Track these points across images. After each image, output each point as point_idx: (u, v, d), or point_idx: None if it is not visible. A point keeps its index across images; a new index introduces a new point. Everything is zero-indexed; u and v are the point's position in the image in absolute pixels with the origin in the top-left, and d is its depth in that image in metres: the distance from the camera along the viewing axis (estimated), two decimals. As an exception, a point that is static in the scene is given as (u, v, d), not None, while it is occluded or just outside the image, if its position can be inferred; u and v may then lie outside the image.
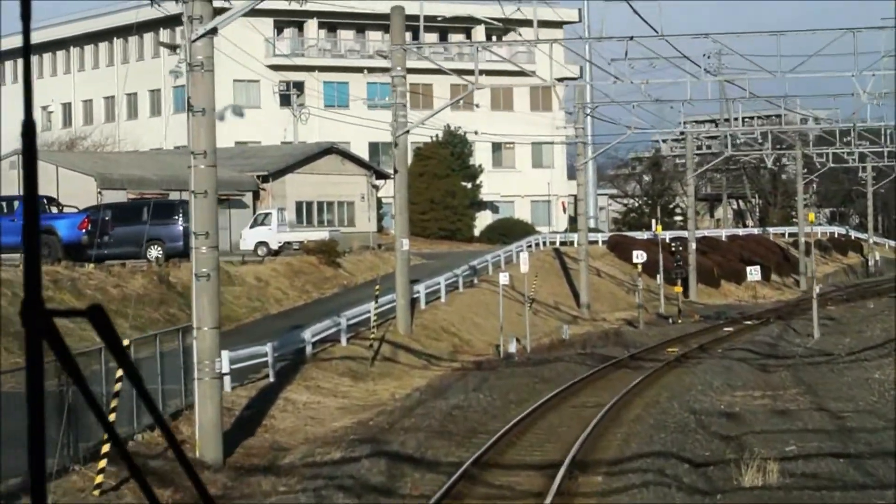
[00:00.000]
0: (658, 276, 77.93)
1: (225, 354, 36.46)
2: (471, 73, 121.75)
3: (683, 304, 76.71)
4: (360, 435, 32.07)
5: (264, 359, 40.70)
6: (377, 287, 50.56)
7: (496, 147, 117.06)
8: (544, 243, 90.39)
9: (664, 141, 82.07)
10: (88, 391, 3.12)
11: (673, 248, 74.57)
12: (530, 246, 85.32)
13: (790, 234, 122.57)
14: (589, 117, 77.66)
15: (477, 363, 50.65)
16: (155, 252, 59.71)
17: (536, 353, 54.46)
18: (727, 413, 35.53)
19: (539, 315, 68.10)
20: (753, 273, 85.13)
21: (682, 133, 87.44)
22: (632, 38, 51.68)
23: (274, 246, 76.84)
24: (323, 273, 69.72)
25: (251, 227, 77.85)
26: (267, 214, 79.07)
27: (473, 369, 48.66)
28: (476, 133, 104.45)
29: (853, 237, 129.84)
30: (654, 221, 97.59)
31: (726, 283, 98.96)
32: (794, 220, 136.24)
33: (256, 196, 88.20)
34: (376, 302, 49.13)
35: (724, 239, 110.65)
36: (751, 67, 55.17)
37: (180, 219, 64.25)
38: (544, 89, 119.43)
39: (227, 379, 35.11)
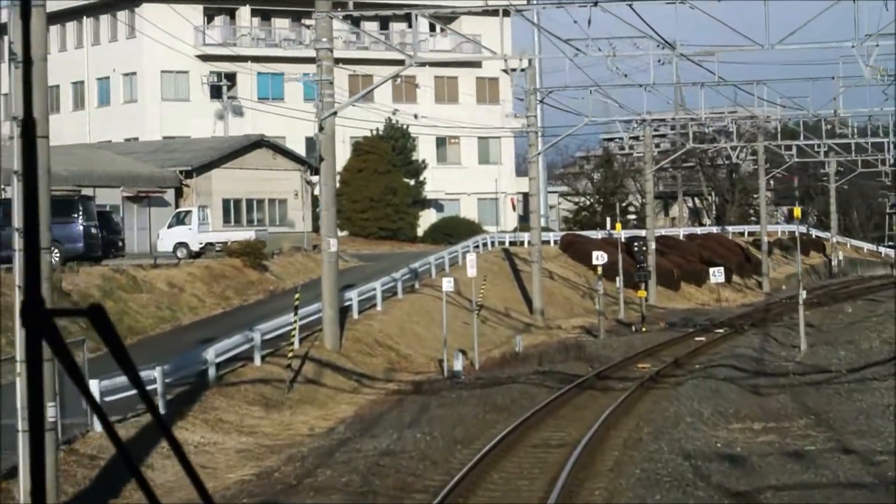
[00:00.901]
0: (617, 278, 70.20)
1: (94, 384, 28.26)
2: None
3: (646, 310, 68.96)
4: (256, 497, 23.94)
5: (154, 385, 32.51)
6: (297, 295, 42.16)
7: (441, 142, 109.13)
8: (492, 243, 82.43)
9: (625, 129, 74.24)
10: (88, 390, 3.18)
11: (636, 248, 66.75)
12: (477, 246, 77.35)
13: (750, 233, 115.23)
14: (541, 105, 69.70)
15: (417, 384, 42.57)
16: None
17: (486, 369, 46.48)
18: (728, 456, 27.53)
19: (488, 323, 60.13)
20: (717, 275, 77.73)
21: (642, 120, 79.64)
22: (596, 3, 43.66)
23: (195, 247, 68.61)
24: (247, 277, 61.51)
25: (169, 226, 69.62)
26: (187, 213, 70.82)
27: (412, 392, 40.60)
28: (416, 117, 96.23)
29: (814, 236, 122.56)
30: (609, 220, 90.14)
31: (686, 285, 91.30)
32: (753, 218, 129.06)
33: (179, 193, 79.84)
34: (296, 313, 40.78)
35: (681, 238, 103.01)
36: (729, 42, 47.28)
37: (80, 217, 56.07)
38: (491, 80, 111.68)
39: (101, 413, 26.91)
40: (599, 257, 59.22)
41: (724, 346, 52.53)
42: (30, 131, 2.97)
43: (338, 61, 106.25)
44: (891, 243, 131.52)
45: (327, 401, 38.99)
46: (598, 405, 35.51)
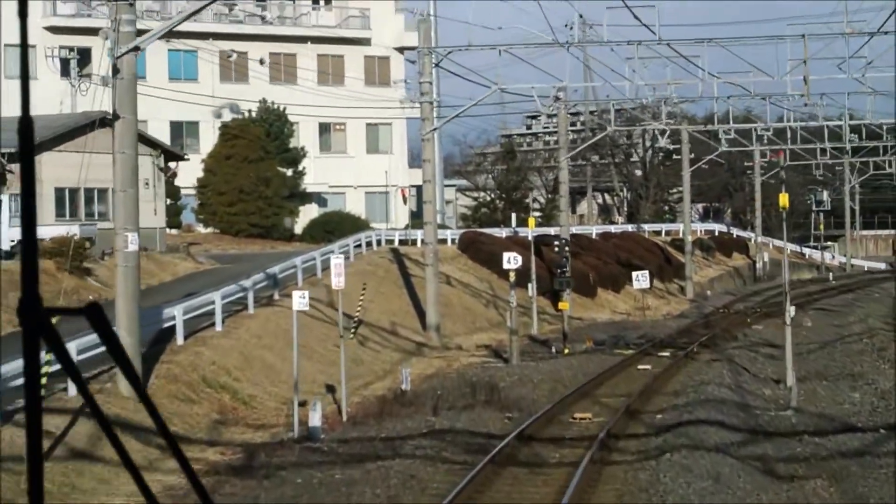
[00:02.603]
0: (529, 285, 55.72)
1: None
2: (294, 39, 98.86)
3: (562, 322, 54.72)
4: None
5: None
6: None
7: (324, 128, 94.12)
8: (378, 242, 67.51)
9: (543, 103, 59.59)
10: (86, 390, 3.13)
11: (556, 249, 51.73)
12: (359, 246, 62.48)
13: (667, 232, 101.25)
14: (437, 70, 55.00)
15: (251, 450, 27.60)
16: None
17: (358, 422, 31.51)
18: None
19: (368, 346, 45.31)
20: (640, 279, 64.20)
21: (556, 98, 65.30)
22: None
23: (5, 246, 53.21)
24: (58, 284, 46.14)
25: (-28, 220, 54.09)
26: (-4, 203, 55.33)
27: (242, 465, 25.73)
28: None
29: (734, 235, 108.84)
30: (514, 216, 75.91)
31: (603, 291, 76.99)
32: (668, 215, 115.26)
33: (2, 180, 64.18)
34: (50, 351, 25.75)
35: (595, 237, 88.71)
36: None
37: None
38: (382, 60, 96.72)
39: None
40: (512, 260, 44.56)
41: (682, 381, 37.97)
42: (29, 131, 2.92)
43: (207, 36, 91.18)
44: (815, 244, 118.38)
45: (99, 487, 23.86)
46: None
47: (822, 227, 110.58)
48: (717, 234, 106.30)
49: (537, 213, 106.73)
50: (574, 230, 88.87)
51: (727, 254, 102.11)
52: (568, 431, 29.32)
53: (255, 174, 79.97)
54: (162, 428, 3.25)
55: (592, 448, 25.70)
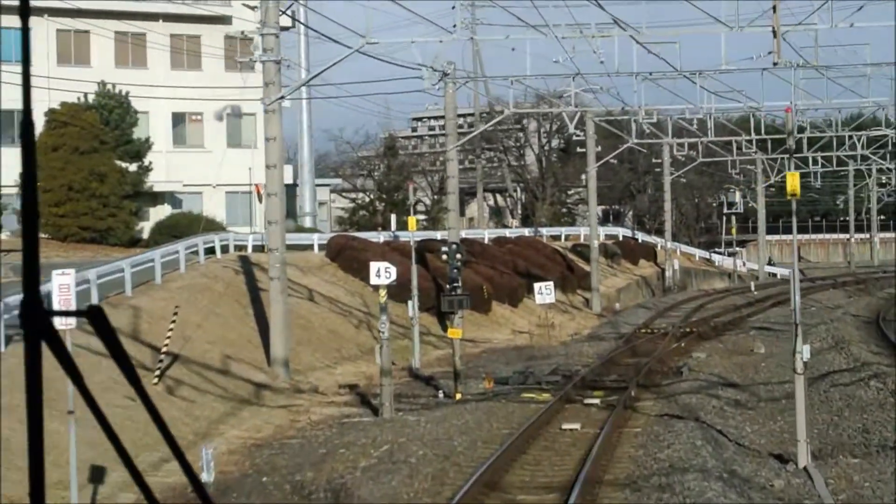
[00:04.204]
0: (410, 302, 42.21)
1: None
2: (142, 16, 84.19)
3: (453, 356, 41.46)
4: None
5: None
6: None
7: (178, 119, 79.87)
8: (225, 248, 53.64)
9: (429, 77, 45.97)
10: (88, 393, 2.96)
11: (444, 256, 37.46)
12: (195, 251, 48.58)
13: (567, 237, 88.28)
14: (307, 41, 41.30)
15: None
16: None
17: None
18: None
19: (181, 394, 31.48)
20: (544, 293, 51.75)
21: (445, 74, 52.11)
22: None
23: None
24: None
25: None
26: None
27: None
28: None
29: (640, 240, 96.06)
30: (394, 218, 62.46)
31: (499, 306, 63.75)
32: (567, 218, 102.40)
33: None
34: None
35: (488, 242, 75.45)
36: None
37: None
38: (245, 42, 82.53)
39: None
40: (383, 273, 31.04)
41: (636, 457, 24.48)
42: (29, 131, 2.84)
43: (42, 11, 76.51)
44: (722, 250, 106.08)
45: None
46: None
47: (734, 231, 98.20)
48: (621, 239, 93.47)
49: (422, 216, 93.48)
50: (464, 234, 75.68)
51: (634, 261, 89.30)
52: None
53: (87, 168, 65.61)
54: (162, 428, 3.07)
55: None
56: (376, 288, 32.37)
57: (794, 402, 30.98)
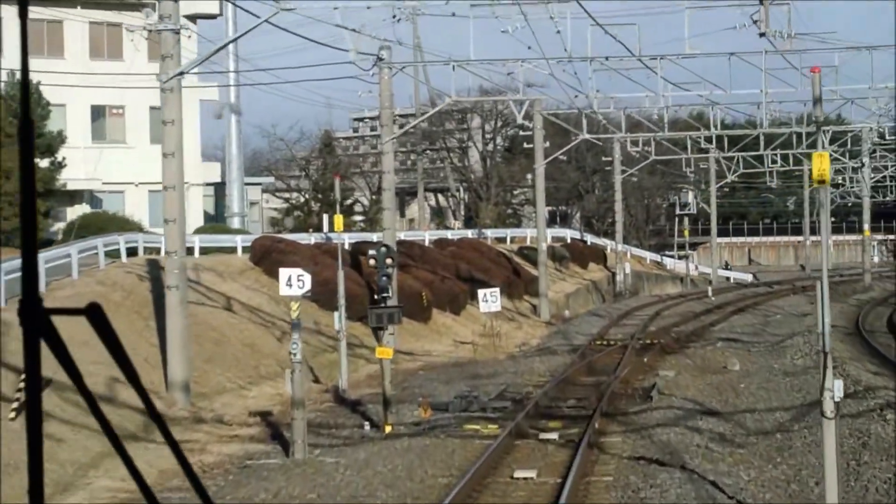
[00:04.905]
0: (337, 314, 36.26)
1: None
2: (59, 2, 77.61)
3: (391, 367, 35.64)
4: None
5: None
6: None
7: (97, 112, 73.58)
8: (132, 251, 47.44)
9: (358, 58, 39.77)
10: (87, 391, 2.94)
11: (373, 260, 30.93)
12: (94, 253, 42.34)
13: (513, 238, 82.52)
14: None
15: None
16: None
17: None
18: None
19: (45, 433, 25.43)
20: (490, 300, 46.45)
21: (379, 58, 46.34)
22: None
23: None
24: None
25: None
26: None
27: None
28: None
29: (589, 243, 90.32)
30: (326, 217, 56.38)
31: (439, 313, 57.84)
32: (512, 219, 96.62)
33: None
34: None
35: (429, 245, 69.50)
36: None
37: None
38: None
39: None
40: (295, 281, 25.03)
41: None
42: (29, 131, 2.84)
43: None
44: (676, 253, 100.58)
45: None
46: None
47: (686, 233, 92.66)
48: (569, 241, 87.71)
49: (359, 218, 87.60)
50: (403, 236, 69.76)
51: (583, 265, 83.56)
52: None
53: (-10, 164, 59.13)
54: (163, 429, 3.04)
55: None
56: (291, 301, 26.24)
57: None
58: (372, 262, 28.27)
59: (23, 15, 2.89)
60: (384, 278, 28.17)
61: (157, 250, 50.60)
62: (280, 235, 61.23)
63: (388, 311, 28.18)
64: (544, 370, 39.77)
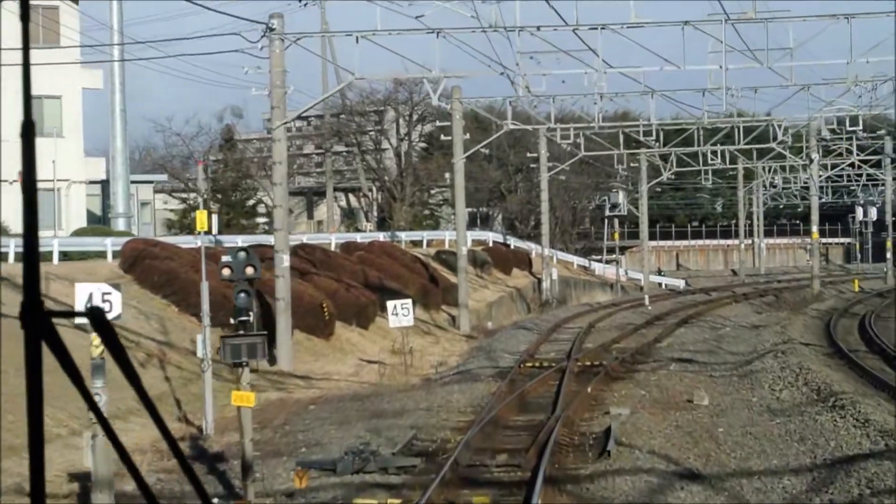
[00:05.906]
0: (200, 336, 27.89)
1: None
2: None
3: (276, 390, 27.39)
4: None
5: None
6: None
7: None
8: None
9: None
10: (87, 392, 2.90)
11: (227, 270, 22.52)
12: None
13: (430, 242, 74.23)
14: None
15: None
16: None
17: None
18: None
19: None
20: (401, 313, 39.07)
21: (270, 28, 38.11)
22: None
23: None
24: None
25: None
26: None
27: None
28: None
29: (512, 246, 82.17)
30: (215, 219, 47.73)
31: (344, 328, 49.42)
32: (429, 221, 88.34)
33: None
34: None
35: (335, 249, 60.98)
36: None
37: None
38: (49, 10, 67.25)
39: None
40: (98, 301, 16.61)
41: None
42: (30, 131, 2.78)
43: None
44: (607, 257, 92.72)
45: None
46: None
47: (616, 236, 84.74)
48: (491, 245, 79.52)
49: (263, 220, 79.02)
50: (306, 239, 61.25)
51: (506, 270, 75.38)
52: None
53: None
54: (163, 429, 2.98)
55: None
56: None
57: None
58: (226, 271, 19.84)
59: (24, 17, 2.85)
60: (242, 295, 19.76)
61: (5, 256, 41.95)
62: (160, 239, 52.53)
63: (247, 342, 19.67)
64: (465, 404, 31.38)
